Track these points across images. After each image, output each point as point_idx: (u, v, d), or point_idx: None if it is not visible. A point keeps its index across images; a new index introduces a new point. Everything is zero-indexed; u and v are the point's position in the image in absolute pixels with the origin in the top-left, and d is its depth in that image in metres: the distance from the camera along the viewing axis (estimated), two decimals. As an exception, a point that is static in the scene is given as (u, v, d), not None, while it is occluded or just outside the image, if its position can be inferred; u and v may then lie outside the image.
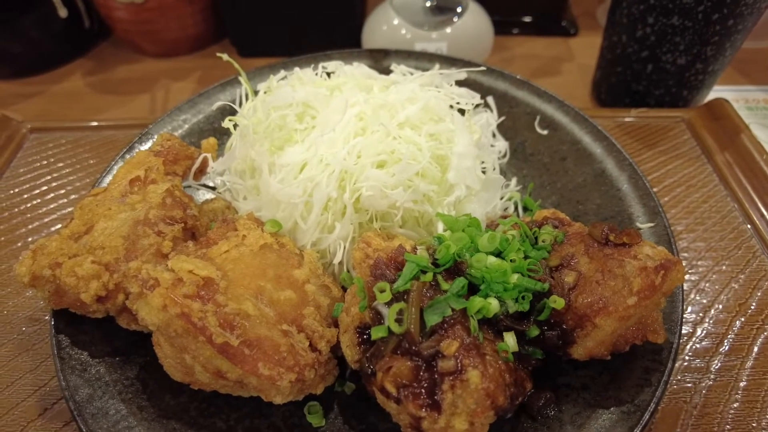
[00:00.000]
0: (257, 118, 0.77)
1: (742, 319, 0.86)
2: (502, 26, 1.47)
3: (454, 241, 0.67)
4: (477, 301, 0.60)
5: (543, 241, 0.70)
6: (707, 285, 0.91)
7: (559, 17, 1.54)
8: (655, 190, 0.93)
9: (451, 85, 0.89)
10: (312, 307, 0.66)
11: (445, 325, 0.59)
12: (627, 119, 1.19)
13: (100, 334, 0.74)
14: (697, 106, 1.21)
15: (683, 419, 0.74)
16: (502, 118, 0.99)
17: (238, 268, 0.65)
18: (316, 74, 0.88)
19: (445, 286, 0.63)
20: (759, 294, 0.89)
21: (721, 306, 0.88)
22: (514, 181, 0.93)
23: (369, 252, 0.65)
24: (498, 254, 0.68)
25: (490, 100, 0.99)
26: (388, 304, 0.61)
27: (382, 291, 0.61)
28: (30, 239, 0.98)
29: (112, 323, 0.72)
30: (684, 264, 0.95)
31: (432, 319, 0.58)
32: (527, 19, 1.54)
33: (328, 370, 0.67)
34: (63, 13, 1.29)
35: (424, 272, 0.64)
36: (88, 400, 0.67)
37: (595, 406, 0.65)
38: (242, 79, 0.91)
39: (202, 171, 0.85)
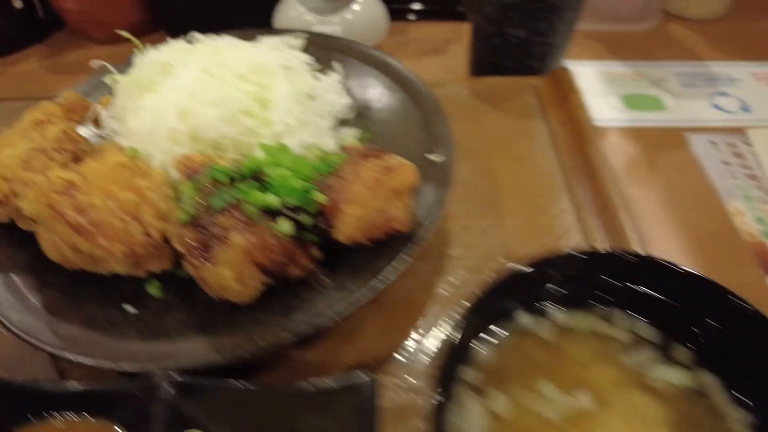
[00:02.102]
0: (131, 75, 1.01)
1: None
2: (401, 13, 1.70)
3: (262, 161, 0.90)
4: (257, 195, 0.83)
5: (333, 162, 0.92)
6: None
7: (454, 3, 1.76)
8: (488, 140, 1.15)
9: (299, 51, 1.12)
10: (150, 207, 0.89)
11: (227, 207, 0.81)
12: (483, 86, 1.41)
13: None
14: (544, 75, 1.43)
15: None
16: (347, 79, 1.21)
17: (95, 175, 0.89)
18: (187, 42, 1.12)
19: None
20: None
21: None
22: (353, 131, 1.15)
23: (187, 163, 0.88)
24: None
25: (337, 65, 1.21)
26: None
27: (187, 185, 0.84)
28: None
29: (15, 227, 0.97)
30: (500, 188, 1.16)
31: (216, 203, 0.81)
32: (423, 6, 1.76)
33: (162, 254, 0.90)
34: (18, 4, 1.55)
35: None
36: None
37: (357, 277, 0.87)
38: (138, 51, 1.15)
39: (97, 121, 1.09)
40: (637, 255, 0.74)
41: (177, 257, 0.92)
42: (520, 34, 1.34)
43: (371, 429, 0.71)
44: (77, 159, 1.00)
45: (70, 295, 0.90)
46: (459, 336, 0.63)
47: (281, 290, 0.86)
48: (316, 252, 0.89)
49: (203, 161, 0.89)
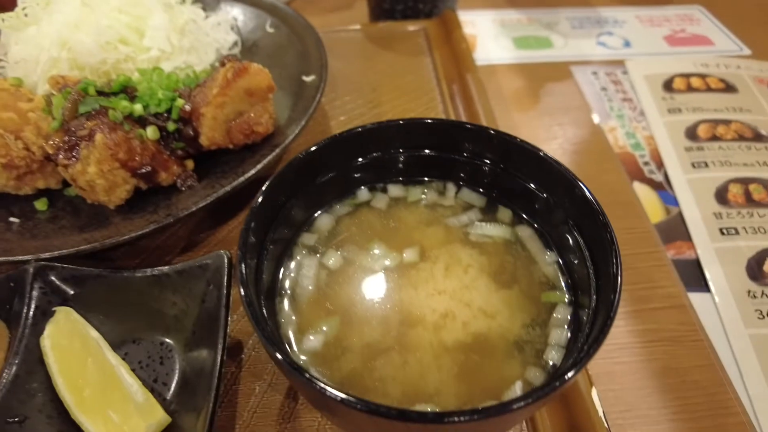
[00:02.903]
0: (14, 12, 1.08)
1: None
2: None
3: (133, 78, 0.96)
4: (123, 103, 0.89)
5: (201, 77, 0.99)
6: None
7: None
8: (378, 77, 1.27)
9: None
10: (32, 127, 0.95)
11: (94, 114, 0.88)
12: (377, 30, 1.50)
13: None
14: (433, 18, 1.52)
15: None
16: (237, 20, 1.29)
17: (-25, 100, 0.95)
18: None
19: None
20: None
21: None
22: (243, 64, 1.23)
23: (60, 80, 0.94)
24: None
25: (225, 7, 1.29)
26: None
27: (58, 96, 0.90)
28: None
29: None
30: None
31: (82, 109, 0.87)
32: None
33: (46, 171, 0.96)
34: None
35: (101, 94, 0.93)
36: None
37: (224, 178, 0.94)
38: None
39: (-9, 60, 1.15)
40: (459, 122, 0.82)
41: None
42: (405, -22, 1.43)
43: (224, 299, 0.78)
44: (-32, 95, 1.05)
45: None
46: (261, 199, 0.66)
47: (154, 195, 0.93)
48: (190, 163, 0.96)
49: (77, 80, 0.95)
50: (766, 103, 1.33)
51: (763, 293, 0.95)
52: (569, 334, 0.67)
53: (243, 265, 0.59)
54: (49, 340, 0.76)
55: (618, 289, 0.56)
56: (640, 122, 1.32)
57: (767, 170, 1.16)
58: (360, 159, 0.80)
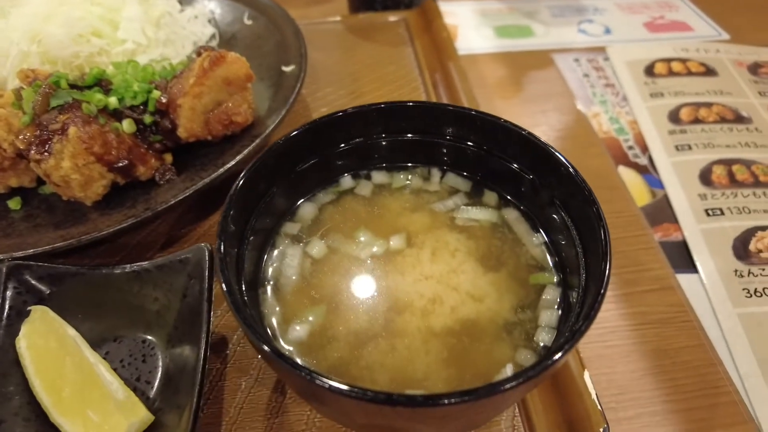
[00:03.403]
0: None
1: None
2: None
3: (107, 71, 0.94)
4: (97, 96, 0.87)
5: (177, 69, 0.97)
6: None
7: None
8: (359, 67, 1.25)
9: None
10: (2, 123, 0.92)
11: (67, 107, 0.85)
12: (356, 21, 1.48)
13: None
14: (413, 8, 1.50)
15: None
16: (215, 11, 1.26)
17: (-58, 97, 0.91)
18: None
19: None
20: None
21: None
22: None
23: (29, 74, 0.91)
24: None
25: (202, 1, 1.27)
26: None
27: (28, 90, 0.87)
28: None
29: None
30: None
31: (54, 102, 0.85)
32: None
33: (18, 169, 0.93)
34: None
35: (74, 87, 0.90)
36: None
37: (204, 171, 0.92)
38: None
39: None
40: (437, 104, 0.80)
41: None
42: (386, -31, 1.42)
43: (206, 292, 0.75)
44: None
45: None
46: (240, 185, 0.64)
47: (132, 190, 0.90)
48: (168, 156, 0.94)
49: (48, 73, 0.92)
50: (745, 85, 1.34)
51: (749, 272, 0.95)
52: (560, 315, 0.66)
53: (222, 253, 0.57)
54: (24, 340, 0.73)
55: (608, 260, 0.55)
56: (623, 107, 1.32)
57: (749, 151, 1.17)
58: (342, 145, 0.78)
